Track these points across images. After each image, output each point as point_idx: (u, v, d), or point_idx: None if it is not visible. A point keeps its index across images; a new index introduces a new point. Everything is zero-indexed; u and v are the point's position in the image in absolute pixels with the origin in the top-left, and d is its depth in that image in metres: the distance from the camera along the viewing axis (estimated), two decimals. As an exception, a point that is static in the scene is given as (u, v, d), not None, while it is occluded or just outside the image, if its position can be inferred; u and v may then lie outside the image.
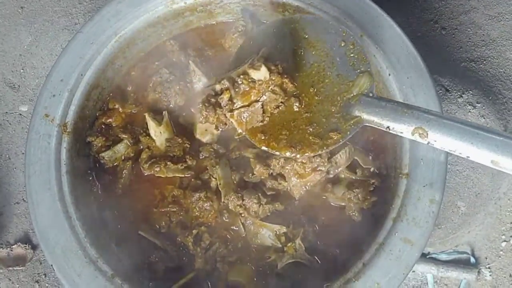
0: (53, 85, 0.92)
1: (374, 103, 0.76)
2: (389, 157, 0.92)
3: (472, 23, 1.27)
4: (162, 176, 0.93)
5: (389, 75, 0.91)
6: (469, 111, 1.11)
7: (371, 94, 0.77)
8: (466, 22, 1.28)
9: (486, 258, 1.16)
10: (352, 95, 0.78)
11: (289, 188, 0.93)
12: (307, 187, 0.91)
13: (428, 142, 0.70)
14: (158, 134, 0.95)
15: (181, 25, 1.04)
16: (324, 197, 0.92)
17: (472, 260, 1.18)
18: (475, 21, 1.28)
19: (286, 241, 0.89)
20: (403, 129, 0.72)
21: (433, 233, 1.12)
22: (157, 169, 0.93)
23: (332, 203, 0.92)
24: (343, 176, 0.93)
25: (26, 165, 0.87)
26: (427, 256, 1.19)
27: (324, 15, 0.95)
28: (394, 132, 0.73)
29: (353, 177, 0.92)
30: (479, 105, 1.13)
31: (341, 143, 0.76)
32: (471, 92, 1.14)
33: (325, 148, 0.76)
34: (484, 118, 1.11)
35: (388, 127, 0.73)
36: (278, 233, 0.90)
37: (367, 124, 0.76)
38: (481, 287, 1.16)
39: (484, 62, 1.23)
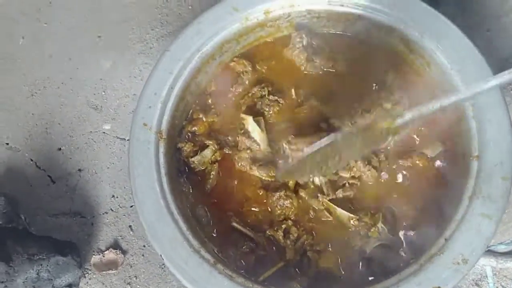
0: (148, 98, 1.03)
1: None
2: (458, 144, 0.99)
3: (514, 23, 1.37)
4: (266, 178, 1.03)
5: (451, 69, 1.00)
6: (522, 101, 1.20)
7: None
8: (508, 22, 1.37)
9: (543, 247, 1.19)
10: None
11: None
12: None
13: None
14: (262, 139, 1.04)
15: (251, 40, 1.14)
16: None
17: (530, 250, 1.21)
18: (517, 21, 1.37)
19: (367, 228, 0.97)
20: None
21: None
22: (267, 173, 1.02)
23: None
24: None
25: (130, 168, 0.97)
26: (486, 249, 1.23)
27: (386, 19, 1.06)
28: None
29: None
30: (530, 96, 1.20)
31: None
32: (522, 85, 1.22)
33: None
34: (537, 107, 1.18)
35: None
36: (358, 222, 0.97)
37: None
38: (541, 276, 1.19)
39: (530, 58, 1.31)
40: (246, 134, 1.05)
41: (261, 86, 1.09)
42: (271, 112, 1.08)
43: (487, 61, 0.99)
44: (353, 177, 1.01)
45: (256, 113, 1.08)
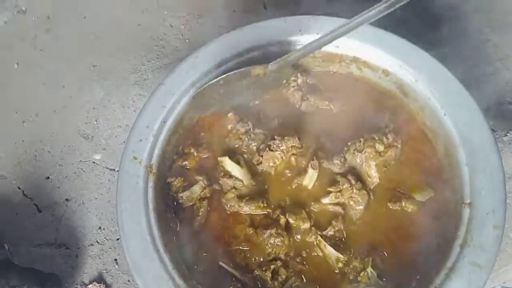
0: (139, 131, 1.02)
1: None
2: (450, 190, 0.99)
3: (508, 69, 1.38)
4: (256, 211, 1.01)
5: (445, 115, 1.00)
6: (515, 148, 1.20)
7: None
8: (502, 67, 1.38)
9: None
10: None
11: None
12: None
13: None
14: (243, 175, 1.03)
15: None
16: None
17: (519, 296, 1.20)
18: (510, 67, 1.38)
19: (357, 272, 0.95)
20: None
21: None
22: (256, 205, 1.01)
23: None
24: None
25: (118, 202, 0.96)
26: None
27: (380, 63, 1.07)
28: None
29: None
30: (524, 142, 1.21)
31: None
32: (514, 131, 1.23)
33: None
34: (529, 154, 1.20)
35: None
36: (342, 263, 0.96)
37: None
38: (529, 324, 1.17)
39: (524, 104, 1.32)
40: (227, 174, 1.04)
41: (244, 121, 1.08)
42: (255, 144, 1.07)
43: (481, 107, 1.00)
44: (337, 203, 1.00)
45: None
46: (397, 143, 1.01)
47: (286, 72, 1.06)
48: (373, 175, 1.01)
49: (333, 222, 0.98)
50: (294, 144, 1.03)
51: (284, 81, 1.10)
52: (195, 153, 1.08)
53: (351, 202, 0.99)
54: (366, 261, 0.95)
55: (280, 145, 1.03)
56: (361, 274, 0.94)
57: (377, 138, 1.01)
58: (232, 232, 1.01)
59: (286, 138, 1.04)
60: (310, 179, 1.02)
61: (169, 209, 1.02)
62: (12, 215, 1.30)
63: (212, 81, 1.02)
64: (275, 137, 1.04)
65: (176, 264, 0.93)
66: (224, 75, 1.01)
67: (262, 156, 1.04)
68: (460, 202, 0.93)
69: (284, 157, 1.04)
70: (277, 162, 1.04)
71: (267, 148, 1.04)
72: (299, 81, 1.12)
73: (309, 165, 1.02)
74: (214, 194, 1.04)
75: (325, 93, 1.13)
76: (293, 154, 1.04)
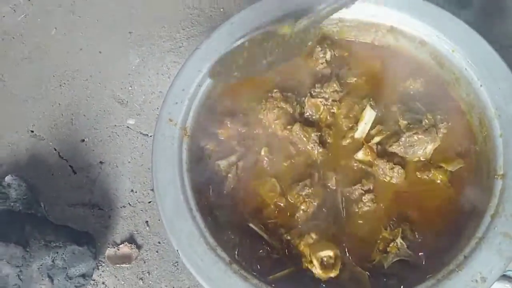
0: (175, 93, 1.03)
1: None
2: (483, 161, 0.98)
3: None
4: None
5: (481, 86, 0.99)
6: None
7: None
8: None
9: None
10: None
11: None
12: None
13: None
14: None
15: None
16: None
17: (546, 276, 1.19)
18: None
19: (386, 243, 0.95)
20: None
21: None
22: None
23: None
24: None
25: (153, 162, 0.98)
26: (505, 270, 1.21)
27: (417, 33, 1.06)
28: None
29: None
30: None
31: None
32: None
33: None
34: None
35: None
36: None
37: None
38: (556, 304, 1.17)
39: None
40: None
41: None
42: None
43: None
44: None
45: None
46: (441, 127, 1.02)
47: (313, 33, 0.96)
48: None
49: (363, 181, 0.99)
50: (336, 89, 1.05)
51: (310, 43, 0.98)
52: (228, 124, 1.07)
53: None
54: (395, 232, 0.95)
55: (320, 92, 1.05)
56: (390, 245, 0.94)
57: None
58: (261, 199, 1.01)
59: (326, 84, 1.06)
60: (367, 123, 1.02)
61: (201, 172, 1.04)
62: (48, 176, 1.34)
63: (237, 43, 0.92)
64: (316, 85, 1.06)
65: (208, 224, 0.94)
66: (249, 36, 0.93)
67: (303, 106, 1.05)
68: (493, 174, 0.93)
69: (326, 107, 1.05)
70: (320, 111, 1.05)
71: (309, 94, 1.05)
72: (328, 56, 1.11)
73: (368, 106, 1.02)
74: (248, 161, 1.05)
75: (355, 66, 1.12)
76: (333, 101, 1.05)
